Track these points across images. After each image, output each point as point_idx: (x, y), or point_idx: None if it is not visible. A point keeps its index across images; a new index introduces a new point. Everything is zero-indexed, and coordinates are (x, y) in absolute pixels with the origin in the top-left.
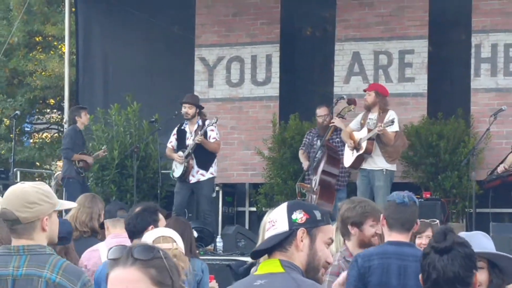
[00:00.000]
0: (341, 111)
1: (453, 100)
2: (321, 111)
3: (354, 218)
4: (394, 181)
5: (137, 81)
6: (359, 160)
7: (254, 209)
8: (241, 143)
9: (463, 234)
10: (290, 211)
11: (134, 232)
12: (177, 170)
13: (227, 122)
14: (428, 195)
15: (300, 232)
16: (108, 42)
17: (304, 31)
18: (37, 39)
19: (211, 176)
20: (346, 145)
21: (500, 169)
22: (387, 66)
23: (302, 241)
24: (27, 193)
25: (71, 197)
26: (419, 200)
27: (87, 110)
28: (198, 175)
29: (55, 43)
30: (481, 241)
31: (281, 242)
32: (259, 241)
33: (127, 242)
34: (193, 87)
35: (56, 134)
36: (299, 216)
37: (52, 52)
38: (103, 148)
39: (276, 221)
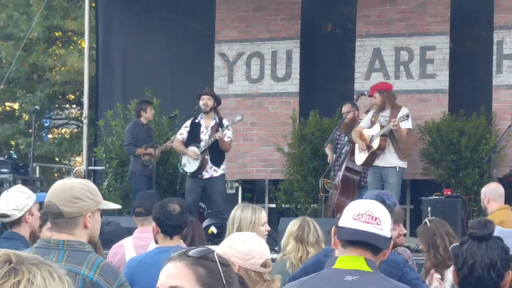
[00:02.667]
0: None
1: (474, 97)
2: (345, 108)
3: None
4: (415, 178)
5: (156, 77)
6: (372, 157)
7: (273, 205)
8: (261, 139)
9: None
10: (391, 219)
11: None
12: (190, 166)
13: (247, 118)
14: (449, 192)
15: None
16: (128, 38)
17: (324, 27)
18: (57, 34)
19: (222, 172)
20: (356, 145)
21: None
22: (408, 62)
23: (388, 251)
24: (73, 188)
25: (138, 191)
26: (440, 197)
27: (152, 106)
28: (211, 171)
29: (75, 38)
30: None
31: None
32: (230, 231)
33: (151, 237)
34: (213, 82)
35: (75, 130)
36: (392, 228)
37: (71, 47)
38: (171, 139)
39: (381, 221)
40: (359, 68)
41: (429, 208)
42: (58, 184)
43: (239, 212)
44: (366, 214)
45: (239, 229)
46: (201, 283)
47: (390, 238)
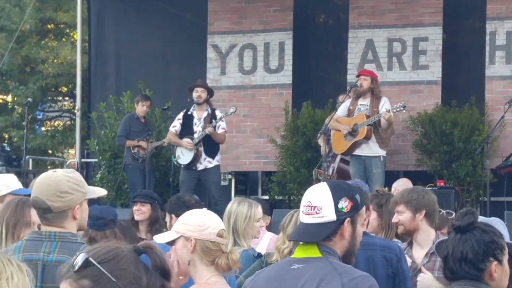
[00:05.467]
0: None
1: (467, 88)
2: (341, 98)
3: None
4: (408, 170)
5: (149, 69)
6: (354, 147)
7: (267, 197)
8: (254, 131)
9: (480, 218)
10: (336, 199)
11: None
12: (184, 158)
13: (239, 110)
14: (442, 184)
15: (348, 222)
16: (121, 29)
17: (317, 18)
18: (49, 26)
19: (217, 163)
20: (332, 132)
21: None
22: (401, 53)
23: (347, 230)
24: (59, 182)
25: (131, 183)
26: (433, 188)
27: (146, 102)
28: (205, 162)
29: (67, 30)
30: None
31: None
32: (226, 225)
33: None
34: (205, 74)
35: (68, 122)
36: (344, 204)
37: (64, 40)
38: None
39: (321, 208)
40: (352, 59)
41: None
42: (43, 178)
43: (235, 206)
44: (307, 205)
45: (234, 223)
46: None
47: (337, 220)
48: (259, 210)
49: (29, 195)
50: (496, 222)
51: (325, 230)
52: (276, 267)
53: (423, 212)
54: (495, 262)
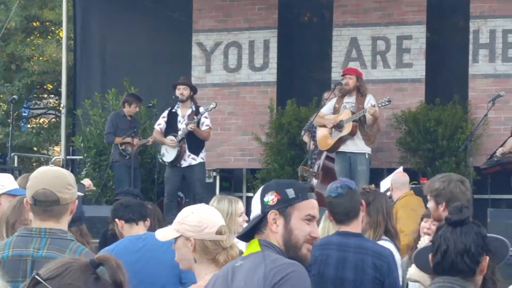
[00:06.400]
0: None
1: (451, 86)
2: (326, 96)
3: None
4: (392, 167)
5: (134, 66)
6: (339, 143)
7: (251, 194)
8: (238, 128)
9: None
10: (263, 194)
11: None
12: (168, 155)
13: (224, 107)
14: (426, 181)
15: (272, 215)
16: (106, 27)
17: (302, 16)
18: (34, 24)
19: (201, 161)
20: (317, 129)
21: (499, 152)
22: (385, 51)
23: (275, 223)
24: (65, 175)
25: (118, 180)
26: (417, 186)
27: (138, 104)
28: (189, 159)
29: (53, 28)
30: None
31: (256, 226)
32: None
33: None
34: (190, 72)
35: (53, 119)
36: (270, 198)
37: (49, 37)
38: (150, 137)
39: (254, 205)
40: (336, 57)
41: None
42: (45, 172)
43: (215, 204)
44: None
45: None
46: None
47: (263, 213)
48: (239, 205)
49: (24, 195)
50: None
51: (251, 223)
52: (226, 266)
53: None
54: (487, 257)
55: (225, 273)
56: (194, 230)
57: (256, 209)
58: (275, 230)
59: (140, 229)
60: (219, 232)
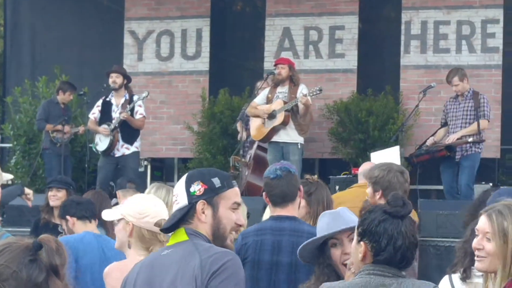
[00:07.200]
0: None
1: (382, 77)
2: (259, 85)
3: None
4: (323, 157)
5: (65, 54)
6: (272, 133)
7: (171, 183)
8: (170, 117)
9: (327, 212)
10: (188, 184)
11: None
12: (102, 144)
13: (156, 96)
14: (357, 171)
15: (200, 205)
16: (37, 14)
17: (234, 5)
18: None
19: (135, 150)
20: (251, 119)
21: (429, 141)
22: (317, 42)
23: (203, 213)
24: None
25: (48, 169)
26: (348, 176)
27: (72, 92)
28: (123, 149)
29: None
30: (350, 215)
31: (183, 217)
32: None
33: None
34: (122, 60)
35: None
36: (196, 188)
37: None
38: (81, 126)
39: (177, 195)
40: (269, 47)
41: (337, 187)
42: None
43: (153, 191)
44: (174, 196)
45: None
46: None
47: (189, 204)
48: None
49: None
50: (344, 210)
51: (178, 214)
52: (150, 256)
53: None
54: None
55: (150, 261)
56: (135, 216)
57: (181, 200)
58: (204, 220)
59: (93, 226)
60: (158, 225)
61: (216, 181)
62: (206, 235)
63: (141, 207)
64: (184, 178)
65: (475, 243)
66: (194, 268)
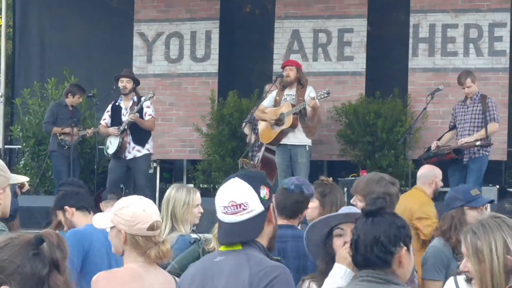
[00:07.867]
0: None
1: (391, 79)
2: (268, 88)
3: None
4: (332, 159)
5: (75, 56)
6: (281, 136)
7: (191, 185)
8: (180, 119)
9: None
10: (256, 189)
11: None
12: (112, 147)
13: (165, 98)
14: (365, 173)
15: (272, 208)
16: (46, 16)
17: (244, 8)
18: None
19: (147, 152)
20: (259, 121)
21: (433, 145)
22: (326, 44)
23: (273, 215)
24: None
25: (56, 171)
26: (356, 178)
27: (82, 95)
28: (134, 151)
29: None
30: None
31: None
32: (164, 211)
33: None
34: (131, 62)
35: None
36: (264, 192)
37: None
38: (89, 129)
39: (247, 203)
40: (278, 49)
41: (345, 189)
42: None
43: (174, 192)
44: (230, 206)
45: (173, 209)
46: None
47: (265, 209)
48: (197, 196)
49: None
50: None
51: (259, 222)
52: (203, 260)
53: None
54: (405, 248)
55: (204, 267)
56: (126, 224)
57: (254, 206)
58: (273, 222)
59: (92, 218)
60: (151, 228)
61: (269, 181)
62: (266, 239)
63: (130, 214)
64: (245, 184)
65: (461, 267)
66: (243, 283)
